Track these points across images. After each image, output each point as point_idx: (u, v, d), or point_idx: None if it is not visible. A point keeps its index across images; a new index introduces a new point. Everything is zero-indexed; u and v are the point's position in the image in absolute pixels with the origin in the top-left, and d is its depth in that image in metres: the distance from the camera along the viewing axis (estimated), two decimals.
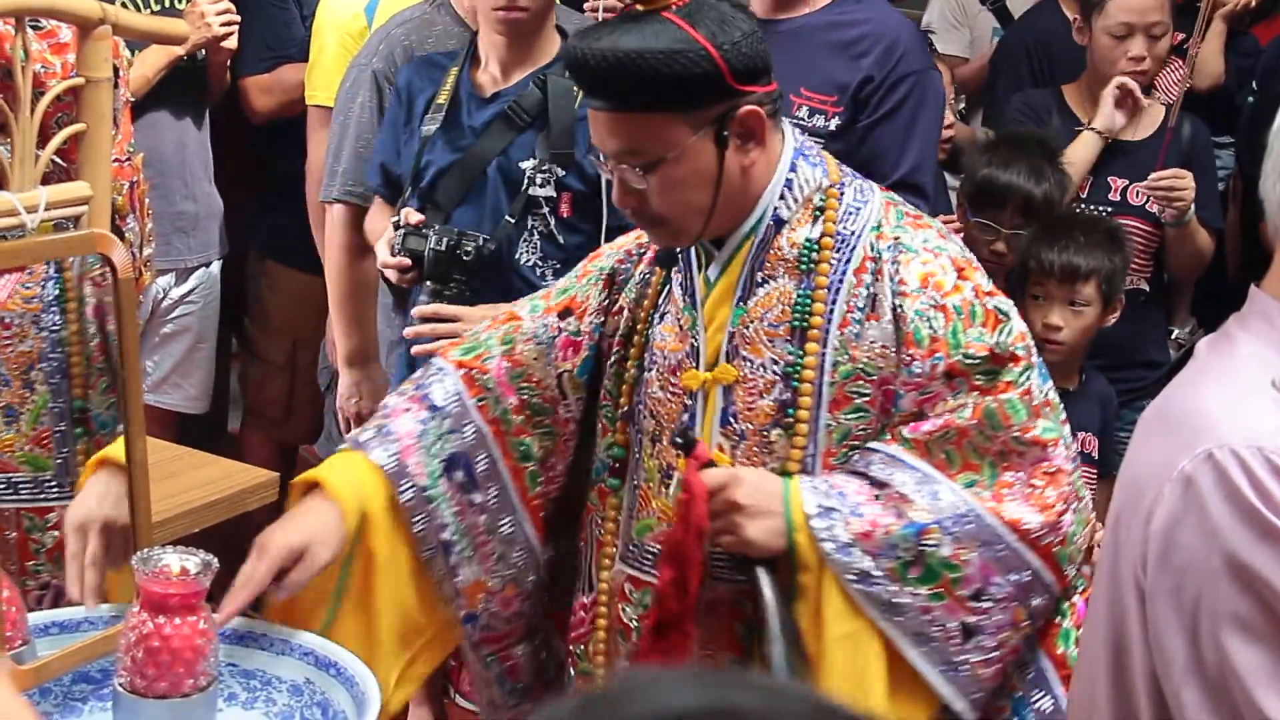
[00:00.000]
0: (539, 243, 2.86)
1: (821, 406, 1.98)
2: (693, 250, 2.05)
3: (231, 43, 3.74)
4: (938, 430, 1.94)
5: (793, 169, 2.01)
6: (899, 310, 1.95)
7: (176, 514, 2.52)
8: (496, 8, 2.83)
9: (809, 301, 1.98)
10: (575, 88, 2.81)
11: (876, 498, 1.94)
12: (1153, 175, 3.55)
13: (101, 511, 1.98)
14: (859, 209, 2.01)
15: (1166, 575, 1.47)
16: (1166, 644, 1.47)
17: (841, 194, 2.02)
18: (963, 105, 4.48)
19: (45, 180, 1.93)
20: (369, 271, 3.18)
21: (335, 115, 3.30)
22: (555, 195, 2.85)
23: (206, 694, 1.82)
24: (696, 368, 2.04)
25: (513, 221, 2.83)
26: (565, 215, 2.86)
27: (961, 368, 1.94)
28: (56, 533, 2.21)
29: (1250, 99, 4.19)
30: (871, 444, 1.98)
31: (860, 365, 1.97)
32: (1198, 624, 1.45)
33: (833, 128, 2.90)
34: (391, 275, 2.87)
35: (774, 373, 1.99)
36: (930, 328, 1.94)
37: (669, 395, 2.06)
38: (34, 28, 2.12)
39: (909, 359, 1.94)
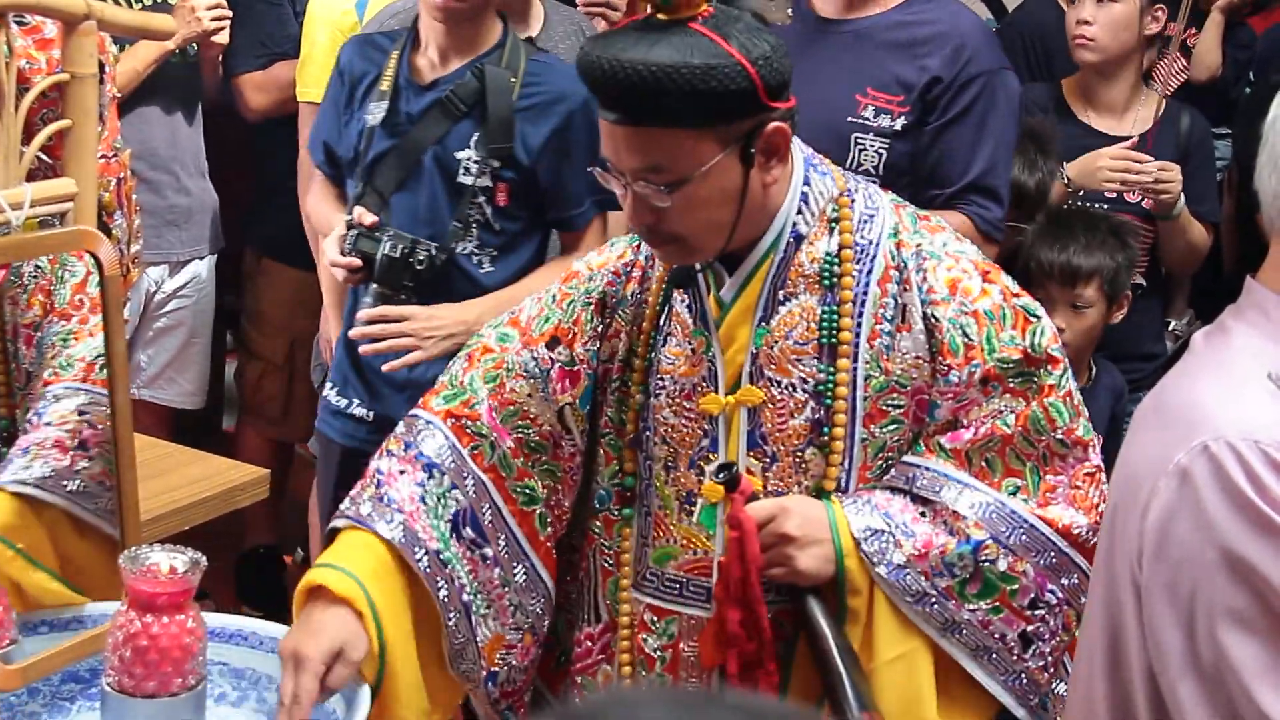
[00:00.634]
0: (476, 232, 2.85)
1: (856, 422, 1.96)
2: (700, 272, 2.01)
3: (223, 37, 3.72)
4: (980, 439, 1.93)
5: (806, 182, 1.97)
6: (931, 319, 1.93)
7: (166, 511, 2.50)
8: None
9: (835, 316, 1.95)
10: (513, 78, 2.81)
11: (923, 515, 1.93)
12: (1137, 166, 3.50)
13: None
14: (872, 215, 1.99)
15: (1162, 569, 1.46)
16: (1162, 638, 1.46)
17: (852, 201, 1.99)
18: None
19: (30, 177, 1.91)
20: None
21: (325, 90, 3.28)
22: (491, 185, 2.84)
23: (195, 693, 1.81)
24: (715, 391, 1.99)
25: (460, 227, 2.82)
26: (502, 204, 2.85)
27: (997, 372, 1.93)
28: None
29: (1247, 90, 4.18)
30: (909, 458, 1.96)
31: (894, 378, 1.95)
32: (1193, 618, 1.44)
33: (898, 127, 2.87)
34: (339, 275, 2.84)
35: (805, 391, 1.96)
36: (965, 335, 1.93)
37: (684, 420, 2.02)
38: (18, 23, 2.11)
39: (946, 369, 1.93)
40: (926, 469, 1.94)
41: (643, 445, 2.06)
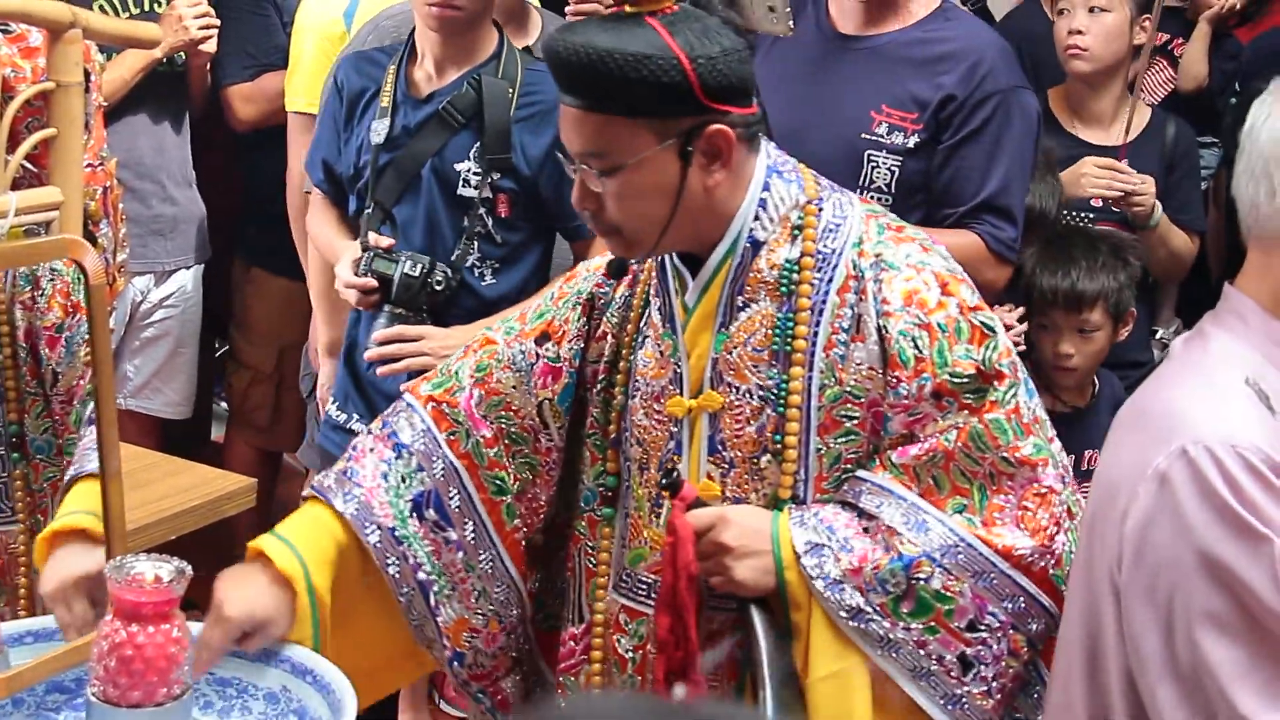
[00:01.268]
0: (478, 244, 2.85)
1: (810, 431, 1.95)
2: (670, 275, 2.01)
3: (210, 46, 3.72)
4: (925, 454, 1.90)
5: (766, 188, 1.96)
6: (883, 331, 1.91)
7: (152, 521, 2.50)
8: (431, 3, 2.80)
9: (791, 324, 1.94)
10: (510, 88, 2.82)
11: (866, 530, 1.91)
12: (1122, 176, 3.50)
13: (73, 572, 1.93)
14: (839, 225, 1.97)
15: (1141, 573, 1.47)
16: (1141, 642, 1.47)
17: (820, 210, 1.98)
18: None
19: (16, 185, 1.92)
20: None
21: (321, 106, 3.28)
22: (491, 196, 2.84)
23: (181, 702, 1.80)
24: (681, 394, 2.00)
25: (465, 243, 2.83)
26: (503, 215, 2.85)
27: (950, 387, 1.90)
28: None
29: (1233, 100, 4.19)
30: (860, 473, 1.94)
31: (848, 388, 1.93)
32: (1172, 621, 1.44)
33: (911, 145, 2.84)
34: (352, 296, 2.84)
35: (759, 398, 1.95)
36: (915, 348, 1.90)
37: (654, 423, 2.03)
38: (3, 31, 2.12)
39: (895, 380, 1.91)
40: (873, 484, 1.92)
41: (622, 446, 2.07)
